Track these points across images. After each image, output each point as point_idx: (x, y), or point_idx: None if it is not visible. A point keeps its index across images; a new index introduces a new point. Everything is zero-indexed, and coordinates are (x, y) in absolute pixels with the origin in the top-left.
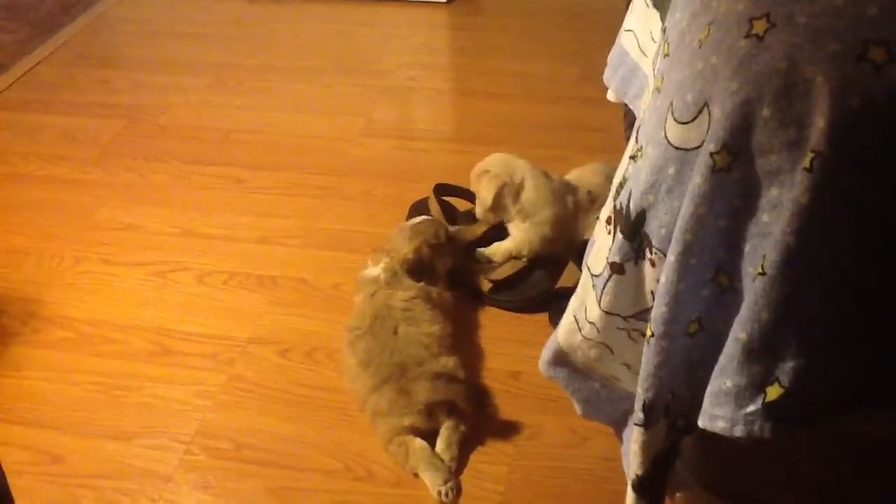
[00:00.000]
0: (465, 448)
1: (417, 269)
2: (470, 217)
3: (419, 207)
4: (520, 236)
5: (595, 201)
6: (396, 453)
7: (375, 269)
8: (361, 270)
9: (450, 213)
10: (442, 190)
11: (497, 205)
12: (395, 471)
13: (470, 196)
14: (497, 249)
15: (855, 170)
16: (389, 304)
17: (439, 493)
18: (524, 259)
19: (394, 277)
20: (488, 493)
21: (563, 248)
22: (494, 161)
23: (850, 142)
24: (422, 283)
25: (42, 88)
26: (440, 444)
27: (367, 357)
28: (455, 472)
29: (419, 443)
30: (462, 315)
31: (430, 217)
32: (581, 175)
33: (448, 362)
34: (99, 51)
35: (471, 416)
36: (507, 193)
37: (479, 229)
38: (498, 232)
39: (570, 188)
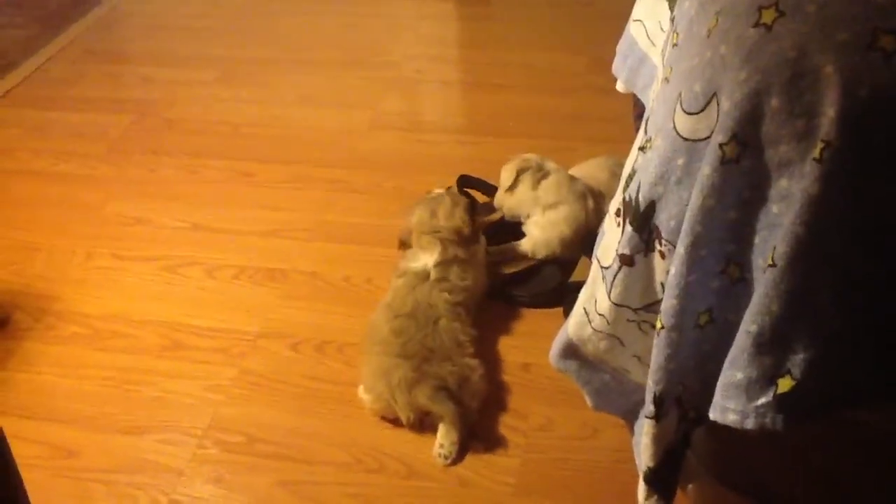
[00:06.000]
0: (476, 439)
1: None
2: (489, 209)
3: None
4: (538, 235)
5: (602, 198)
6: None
7: (421, 261)
8: (398, 259)
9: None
10: (465, 182)
11: (515, 183)
12: (407, 463)
13: (490, 190)
14: (513, 248)
15: (865, 159)
16: (433, 301)
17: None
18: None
19: (445, 272)
20: (500, 485)
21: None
22: (527, 155)
23: (861, 131)
24: (469, 284)
25: (51, 85)
26: (441, 430)
27: (402, 330)
28: (456, 457)
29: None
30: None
31: (440, 192)
32: (586, 170)
33: (472, 363)
34: (107, 46)
35: (474, 418)
36: (528, 174)
37: (493, 216)
38: (510, 225)
39: (592, 192)
